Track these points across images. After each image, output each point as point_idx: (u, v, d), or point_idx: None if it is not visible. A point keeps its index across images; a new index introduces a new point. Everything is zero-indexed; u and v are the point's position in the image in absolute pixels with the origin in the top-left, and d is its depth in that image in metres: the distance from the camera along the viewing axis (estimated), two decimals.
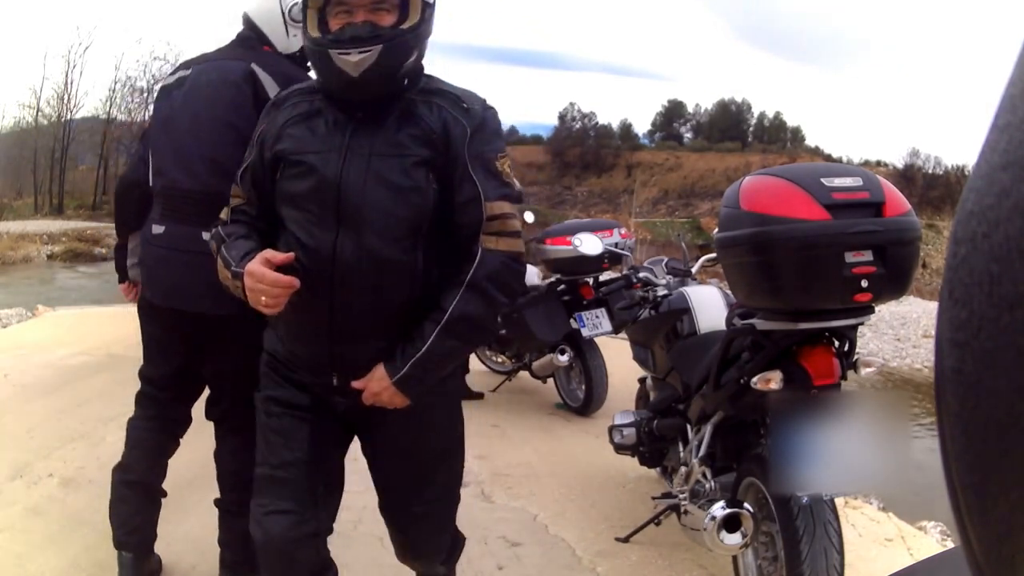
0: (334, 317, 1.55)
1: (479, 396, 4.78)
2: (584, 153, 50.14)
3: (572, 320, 4.36)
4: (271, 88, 1.99)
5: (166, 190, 2.11)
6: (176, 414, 2.42)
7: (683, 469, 2.53)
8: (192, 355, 2.26)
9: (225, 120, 2.03)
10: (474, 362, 5.38)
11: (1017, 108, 0.25)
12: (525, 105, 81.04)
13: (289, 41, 2.20)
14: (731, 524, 2.12)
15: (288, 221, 1.58)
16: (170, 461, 3.41)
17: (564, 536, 2.88)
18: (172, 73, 2.25)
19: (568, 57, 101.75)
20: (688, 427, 2.57)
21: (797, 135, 51.66)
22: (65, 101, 30.59)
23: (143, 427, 2.40)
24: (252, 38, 2.21)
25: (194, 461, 3.48)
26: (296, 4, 2.03)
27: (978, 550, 0.26)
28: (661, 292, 3.00)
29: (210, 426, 2.75)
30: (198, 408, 4.53)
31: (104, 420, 4.01)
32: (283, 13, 2.18)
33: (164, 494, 2.41)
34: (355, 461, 3.67)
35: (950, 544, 3.00)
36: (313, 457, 1.66)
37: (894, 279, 1.81)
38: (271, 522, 1.62)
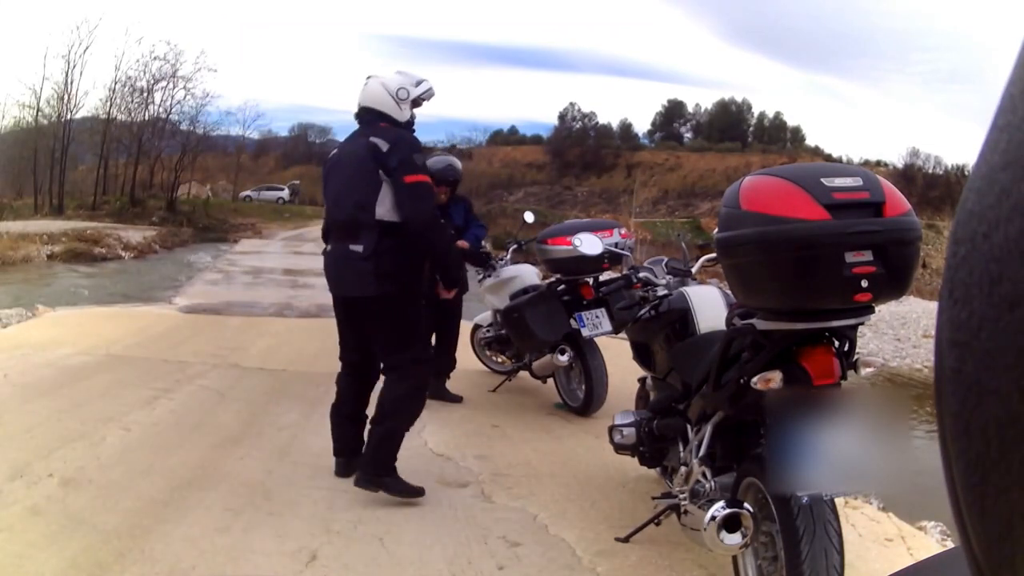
0: None
1: (458, 399, 4.78)
2: (584, 153, 50.12)
3: (572, 320, 4.36)
4: (382, 145, 3.07)
5: (330, 222, 3.27)
6: (363, 366, 3.36)
7: (683, 469, 2.53)
8: (360, 326, 3.25)
9: (360, 176, 3.10)
10: (474, 362, 5.39)
11: (1017, 108, 0.25)
12: (525, 105, 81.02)
13: (401, 113, 3.24)
14: (731, 524, 2.12)
15: None
16: (169, 462, 3.47)
17: (564, 536, 2.88)
18: (332, 152, 3.45)
19: (568, 57, 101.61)
20: (688, 427, 2.57)
21: (797, 135, 51.72)
22: (65, 101, 30.54)
23: (345, 377, 3.41)
24: (370, 120, 3.24)
25: (192, 462, 3.49)
26: (401, 88, 3.23)
27: (978, 550, 0.26)
28: (661, 292, 3.00)
29: (202, 430, 3.93)
30: (192, 410, 4.55)
31: (104, 420, 4.01)
32: (391, 95, 3.23)
33: (366, 418, 3.34)
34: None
35: (950, 544, 3.00)
36: None
37: (894, 279, 1.81)
38: None
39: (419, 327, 3.26)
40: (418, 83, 3.29)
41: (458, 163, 5.01)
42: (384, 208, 3.04)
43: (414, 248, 3.10)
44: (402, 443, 3.18)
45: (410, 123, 3.28)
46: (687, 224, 34.02)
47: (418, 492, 3.14)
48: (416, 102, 3.30)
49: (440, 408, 4.62)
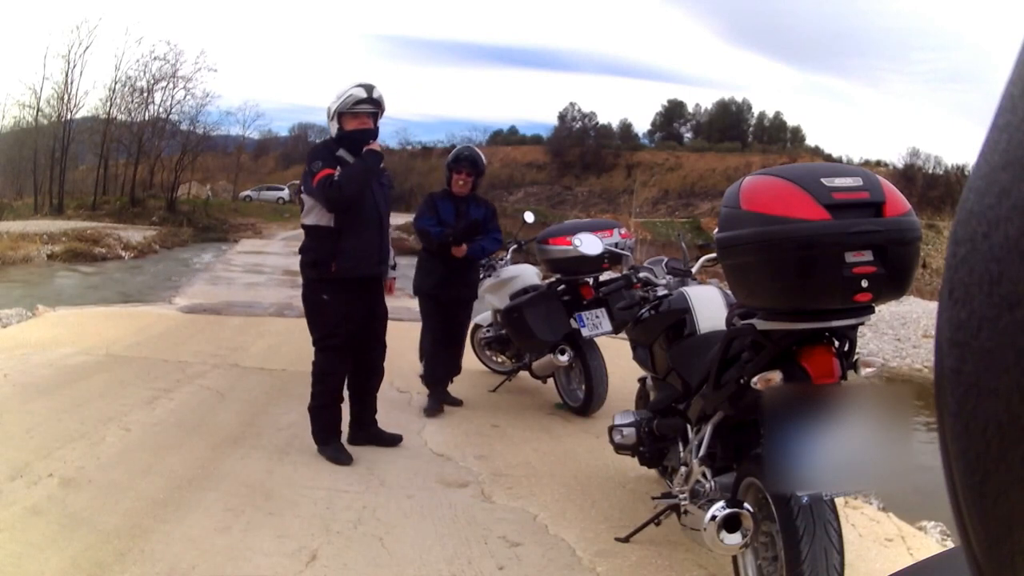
0: None
1: (458, 403, 4.70)
2: (584, 153, 50.12)
3: (572, 320, 4.35)
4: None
5: None
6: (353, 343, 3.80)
7: (683, 469, 2.53)
8: None
9: None
10: (474, 362, 5.38)
11: (1017, 108, 0.25)
12: (525, 105, 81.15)
13: (331, 129, 3.69)
14: (731, 524, 2.12)
15: None
16: (169, 462, 3.47)
17: (564, 536, 2.88)
18: None
19: (568, 57, 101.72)
20: (688, 427, 2.57)
21: (797, 135, 51.73)
22: (65, 101, 30.57)
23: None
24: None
25: (192, 462, 3.49)
26: (329, 108, 3.63)
27: (978, 550, 0.26)
28: (661, 292, 3.00)
29: (202, 430, 4.01)
30: (192, 410, 4.55)
31: (104, 420, 4.01)
32: (327, 113, 3.69)
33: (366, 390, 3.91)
34: (356, 463, 3.69)
35: (950, 544, 3.00)
36: None
37: (894, 279, 1.81)
38: None
39: (320, 318, 3.65)
40: (339, 98, 3.59)
41: (476, 149, 4.82)
42: (302, 214, 3.71)
43: (314, 250, 3.60)
44: (331, 417, 3.66)
45: (342, 136, 3.61)
46: (687, 224, 34.03)
47: (342, 462, 3.56)
48: (348, 113, 3.58)
49: None
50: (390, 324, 3.92)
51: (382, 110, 3.68)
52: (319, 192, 3.49)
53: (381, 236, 3.70)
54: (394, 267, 4.01)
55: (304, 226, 3.68)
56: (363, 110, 3.59)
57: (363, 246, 3.58)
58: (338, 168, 3.50)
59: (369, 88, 3.58)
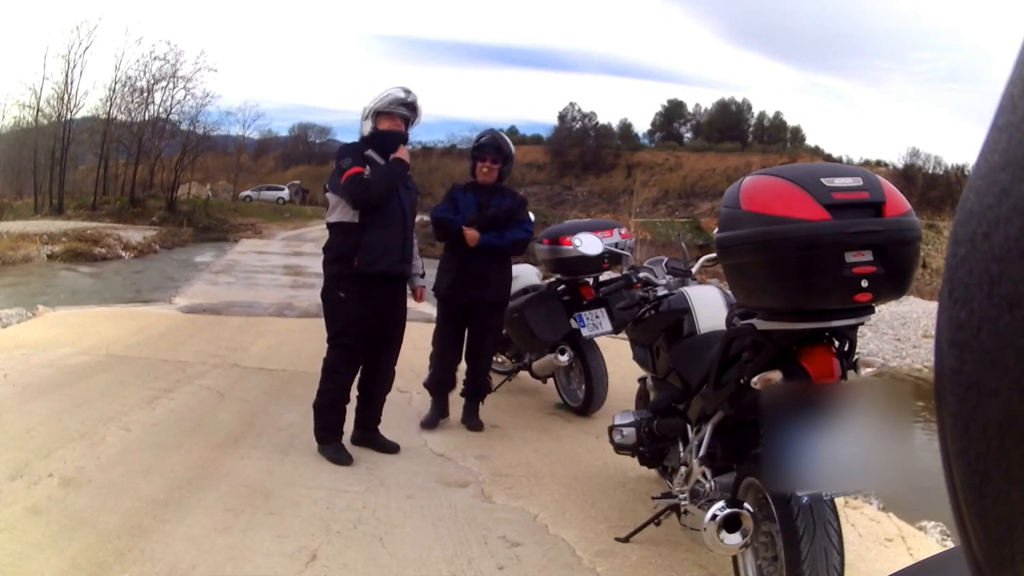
0: None
1: (479, 427, 4.39)
2: (584, 153, 50.17)
3: (572, 320, 4.35)
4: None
5: None
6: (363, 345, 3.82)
7: (683, 469, 2.54)
8: None
9: None
10: None
11: (1017, 108, 0.25)
12: (525, 105, 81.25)
13: (363, 130, 3.73)
14: (731, 524, 2.12)
15: None
16: (169, 462, 3.47)
17: (564, 536, 2.88)
18: None
19: (568, 57, 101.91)
20: (688, 427, 2.57)
21: (797, 135, 51.75)
22: (65, 101, 30.53)
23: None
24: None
25: (192, 462, 3.49)
26: (364, 108, 3.70)
27: (978, 550, 0.26)
28: (661, 292, 3.00)
29: (202, 430, 4.03)
30: (192, 409, 4.54)
31: (104, 420, 4.01)
32: (362, 113, 3.74)
33: (374, 392, 3.87)
34: (356, 463, 3.68)
35: (950, 544, 3.00)
36: None
37: (894, 279, 1.81)
38: None
39: (335, 315, 3.67)
40: (378, 97, 3.68)
41: (500, 134, 4.37)
42: (327, 213, 3.76)
43: (337, 245, 3.63)
44: (335, 416, 3.64)
45: (372, 136, 3.67)
46: (687, 224, 34.04)
47: (342, 462, 3.57)
48: (384, 113, 3.65)
49: None
50: None
51: (416, 116, 3.75)
52: (345, 189, 3.53)
53: (405, 235, 3.70)
54: (422, 275, 3.94)
55: (329, 224, 3.72)
56: (398, 111, 3.67)
57: (386, 242, 3.60)
58: (367, 168, 3.54)
59: (407, 90, 3.69)
